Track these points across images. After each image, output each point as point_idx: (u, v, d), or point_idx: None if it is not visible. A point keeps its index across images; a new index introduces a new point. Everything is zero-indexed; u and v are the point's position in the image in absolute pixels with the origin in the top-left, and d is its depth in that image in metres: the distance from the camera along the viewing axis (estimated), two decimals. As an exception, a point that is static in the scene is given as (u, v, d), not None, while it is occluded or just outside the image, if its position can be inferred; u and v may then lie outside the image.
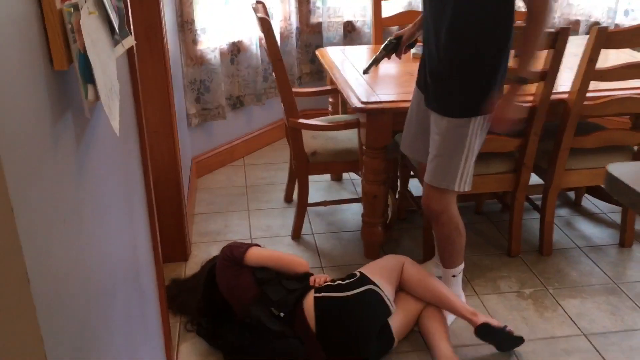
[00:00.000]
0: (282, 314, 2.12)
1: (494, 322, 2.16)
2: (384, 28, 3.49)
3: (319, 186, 3.43)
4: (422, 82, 2.22)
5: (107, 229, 1.20)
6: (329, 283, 2.22)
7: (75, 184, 0.98)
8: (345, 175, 3.56)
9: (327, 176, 3.53)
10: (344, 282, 2.19)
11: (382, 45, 2.47)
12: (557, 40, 2.31)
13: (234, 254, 2.26)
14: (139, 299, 1.54)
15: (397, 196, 3.11)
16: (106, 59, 1.10)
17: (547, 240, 2.79)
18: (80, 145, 1.01)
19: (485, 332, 2.13)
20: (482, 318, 2.14)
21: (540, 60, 2.36)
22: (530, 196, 2.97)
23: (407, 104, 2.39)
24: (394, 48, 2.43)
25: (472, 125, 2.08)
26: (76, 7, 0.94)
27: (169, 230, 2.74)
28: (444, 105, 2.10)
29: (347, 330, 2.11)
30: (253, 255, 2.26)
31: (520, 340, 2.18)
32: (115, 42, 1.21)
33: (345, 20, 3.99)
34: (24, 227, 0.71)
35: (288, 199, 3.28)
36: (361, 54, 3.22)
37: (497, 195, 3.11)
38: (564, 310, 2.44)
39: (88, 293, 1.02)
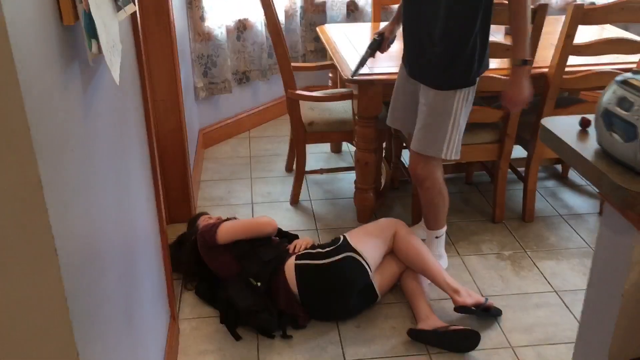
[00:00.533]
0: (259, 284, 2.27)
1: (473, 299, 2.28)
2: (383, 7, 3.65)
3: (318, 157, 3.62)
4: (408, 58, 2.40)
5: (107, 172, 1.40)
6: (310, 250, 2.36)
7: (82, 121, 1.18)
8: (345, 148, 3.74)
9: (328, 148, 3.72)
10: (324, 250, 2.32)
11: (368, 45, 2.57)
12: (536, 17, 2.47)
13: (207, 239, 2.39)
14: (140, 250, 1.74)
15: (390, 166, 3.29)
16: (109, 21, 1.29)
17: (529, 207, 2.95)
18: (86, 90, 1.20)
19: (463, 310, 2.28)
20: (462, 297, 2.26)
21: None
22: (518, 169, 3.13)
23: (396, 77, 2.56)
24: (378, 46, 2.54)
25: (457, 97, 2.26)
26: (82, -26, 1.13)
27: (176, 193, 2.95)
28: (432, 78, 2.28)
29: (327, 294, 2.29)
30: (223, 234, 2.37)
31: (498, 312, 2.34)
32: (118, 8, 1.41)
33: (348, -1, 4.16)
34: (40, 154, 0.91)
35: (289, 168, 3.47)
36: (360, 32, 3.38)
37: (486, 168, 3.27)
38: (539, 270, 2.62)
39: (88, 229, 1.22)
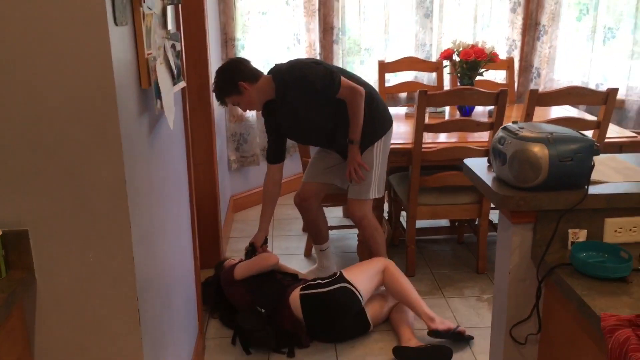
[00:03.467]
0: (263, 311, 2.78)
1: (445, 325, 2.74)
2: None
3: (331, 220, 4.14)
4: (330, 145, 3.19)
5: (163, 189, 1.99)
6: (311, 282, 2.87)
7: (149, 151, 1.79)
8: (355, 214, 4.30)
9: (340, 213, 4.29)
10: (323, 281, 2.83)
11: (245, 255, 3.12)
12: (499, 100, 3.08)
13: (227, 277, 2.98)
14: (184, 279, 2.31)
15: (391, 226, 3.82)
16: (168, 89, 1.94)
17: (507, 260, 3.43)
18: (151, 132, 1.83)
19: (435, 334, 2.75)
20: (435, 323, 2.74)
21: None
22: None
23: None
24: (253, 252, 3.12)
25: (375, 151, 3.01)
26: (154, 58, 1.79)
27: (208, 243, 3.53)
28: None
29: (327, 317, 2.79)
30: (238, 272, 2.95)
31: (469, 338, 2.80)
32: (174, 82, 2.06)
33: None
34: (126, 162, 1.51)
35: (305, 229, 4.04)
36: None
37: (473, 229, 3.78)
38: (511, 310, 3.07)
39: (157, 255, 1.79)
